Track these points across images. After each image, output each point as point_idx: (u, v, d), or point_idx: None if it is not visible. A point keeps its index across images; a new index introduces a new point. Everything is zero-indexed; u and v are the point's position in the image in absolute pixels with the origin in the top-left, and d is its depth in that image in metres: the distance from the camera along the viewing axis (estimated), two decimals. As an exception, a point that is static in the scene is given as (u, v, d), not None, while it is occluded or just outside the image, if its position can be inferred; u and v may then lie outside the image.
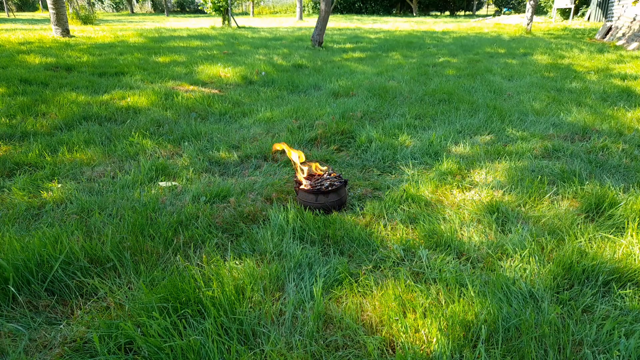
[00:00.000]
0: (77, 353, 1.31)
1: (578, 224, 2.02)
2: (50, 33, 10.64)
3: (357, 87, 5.09)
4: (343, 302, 1.52)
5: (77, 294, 1.56)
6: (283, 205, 2.21)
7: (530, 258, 1.74)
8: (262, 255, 1.79)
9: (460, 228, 2.01)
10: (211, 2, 15.86)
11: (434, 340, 1.32)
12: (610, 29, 11.23)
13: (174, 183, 2.50)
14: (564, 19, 20.86)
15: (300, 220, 2.02)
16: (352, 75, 5.93)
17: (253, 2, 29.86)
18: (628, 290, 1.56)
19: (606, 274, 1.63)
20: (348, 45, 9.81)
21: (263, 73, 5.95)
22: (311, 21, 21.74)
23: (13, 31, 11.99)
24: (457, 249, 1.84)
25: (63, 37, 10.20)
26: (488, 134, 3.44)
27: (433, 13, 34.61)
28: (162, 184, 2.48)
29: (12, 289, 1.53)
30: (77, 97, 4.35)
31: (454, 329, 1.36)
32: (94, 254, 1.73)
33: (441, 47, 9.49)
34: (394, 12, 33.68)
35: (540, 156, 2.96)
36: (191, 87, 5.14)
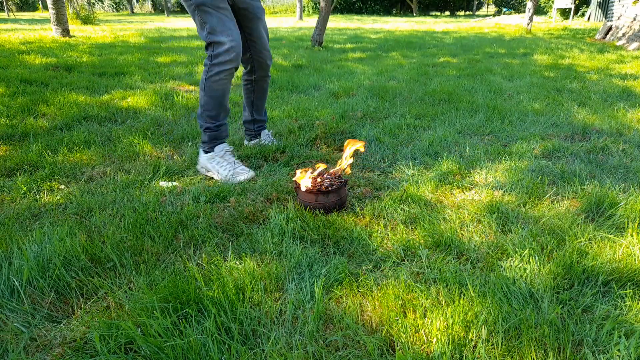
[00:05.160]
0: (77, 353, 1.31)
1: (578, 224, 2.02)
2: (50, 33, 10.63)
3: (357, 87, 5.09)
4: (343, 302, 1.52)
5: (78, 292, 1.56)
6: (283, 205, 2.21)
7: (530, 258, 1.74)
8: (262, 255, 1.79)
9: (460, 228, 2.01)
10: (211, 2, 15.84)
11: (434, 340, 1.32)
12: (610, 28, 11.22)
13: (174, 183, 2.50)
14: (564, 19, 20.85)
15: (300, 220, 2.02)
16: (352, 75, 5.93)
17: (253, 2, 29.80)
18: (628, 290, 1.56)
19: (606, 274, 1.63)
20: (348, 45, 9.81)
21: (263, 73, 5.94)
22: (311, 21, 21.73)
23: (13, 31, 11.98)
24: (457, 249, 1.84)
25: (63, 37, 10.19)
26: (488, 134, 3.44)
27: (433, 13, 34.61)
28: (162, 184, 2.48)
29: (16, 282, 1.53)
30: (77, 97, 4.35)
31: (454, 329, 1.36)
32: (94, 254, 1.73)
33: (441, 47, 9.49)
34: (394, 12, 33.67)
35: (540, 156, 2.96)
36: (191, 87, 5.14)
